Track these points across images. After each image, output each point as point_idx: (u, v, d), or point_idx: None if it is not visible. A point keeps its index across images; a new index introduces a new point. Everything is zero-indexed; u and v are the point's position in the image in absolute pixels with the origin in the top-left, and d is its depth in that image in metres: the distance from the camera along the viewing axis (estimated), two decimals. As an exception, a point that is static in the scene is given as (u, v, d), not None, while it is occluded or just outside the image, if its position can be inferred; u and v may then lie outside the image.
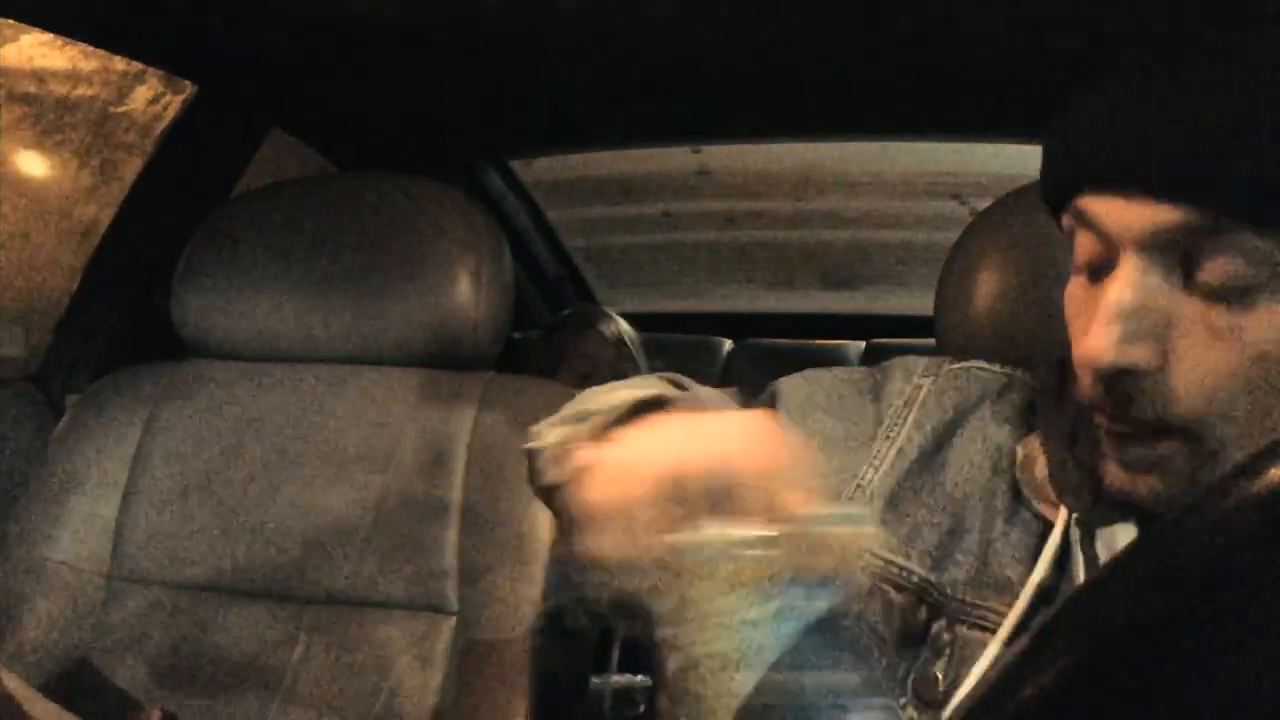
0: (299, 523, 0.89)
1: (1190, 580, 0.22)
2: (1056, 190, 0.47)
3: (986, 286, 0.74)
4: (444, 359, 0.94)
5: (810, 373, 0.65)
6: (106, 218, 1.17)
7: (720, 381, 1.94)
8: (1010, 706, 0.24)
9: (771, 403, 0.64)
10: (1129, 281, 0.42)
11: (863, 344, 1.92)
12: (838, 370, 0.65)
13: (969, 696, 0.47)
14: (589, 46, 1.03)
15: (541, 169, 1.78)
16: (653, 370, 1.60)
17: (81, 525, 0.91)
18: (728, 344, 2.01)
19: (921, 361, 0.62)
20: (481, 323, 0.92)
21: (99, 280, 1.16)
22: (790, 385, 0.64)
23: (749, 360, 1.95)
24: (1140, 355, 0.42)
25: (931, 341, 0.81)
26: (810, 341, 1.97)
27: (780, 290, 2.47)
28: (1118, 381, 0.43)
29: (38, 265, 1.30)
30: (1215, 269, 0.40)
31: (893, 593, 0.53)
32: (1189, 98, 0.40)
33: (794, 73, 1.09)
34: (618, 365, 1.51)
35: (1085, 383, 0.45)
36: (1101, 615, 0.24)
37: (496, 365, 0.97)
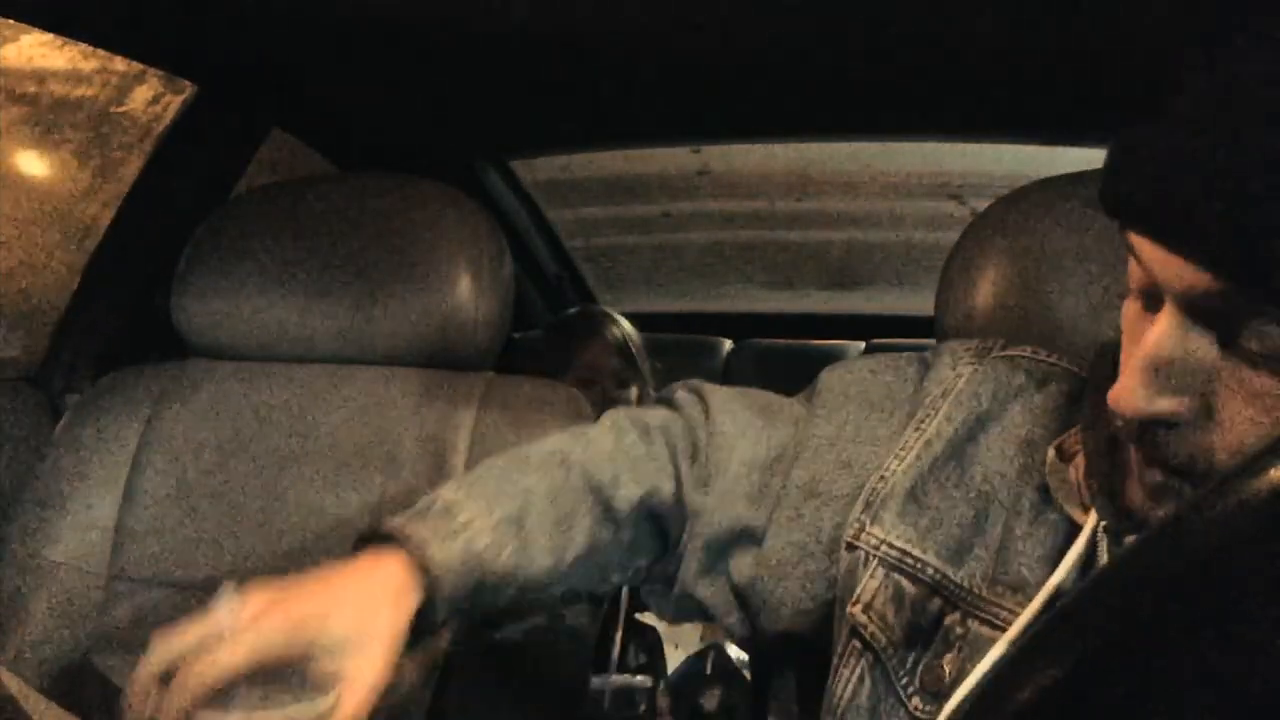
0: (299, 522, 0.89)
1: (1190, 579, 0.22)
2: (1111, 215, 0.45)
3: (986, 286, 0.74)
4: (444, 359, 0.94)
5: (858, 361, 0.65)
6: (106, 218, 1.16)
7: (721, 382, 1.93)
8: (1011, 705, 0.24)
9: (810, 394, 0.64)
10: (1168, 333, 0.40)
11: (862, 344, 1.92)
12: (887, 358, 0.64)
13: (971, 693, 0.47)
14: (589, 46, 1.03)
15: (541, 169, 1.78)
16: (653, 372, 1.61)
17: (81, 525, 0.91)
18: (728, 344, 2.01)
19: (971, 346, 0.61)
20: (481, 323, 0.92)
21: (99, 280, 1.16)
22: (831, 376, 0.64)
23: (749, 360, 1.95)
24: (1172, 407, 0.41)
25: (931, 341, 0.81)
26: (810, 341, 1.97)
27: (780, 290, 2.47)
28: (1148, 428, 0.42)
29: (38, 265, 1.30)
30: (1255, 338, 0.38)
31: (905, 583, 0.53)
32: (1244, 168, 0.36)
33: (794, 73, 1.09)
34: (622, 373, 1.51)
35: (1117, 420, 0.44)
36: (1102, 614, 0.24)
37: (496, 365, 0.97)
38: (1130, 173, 0.42)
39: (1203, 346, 0.40)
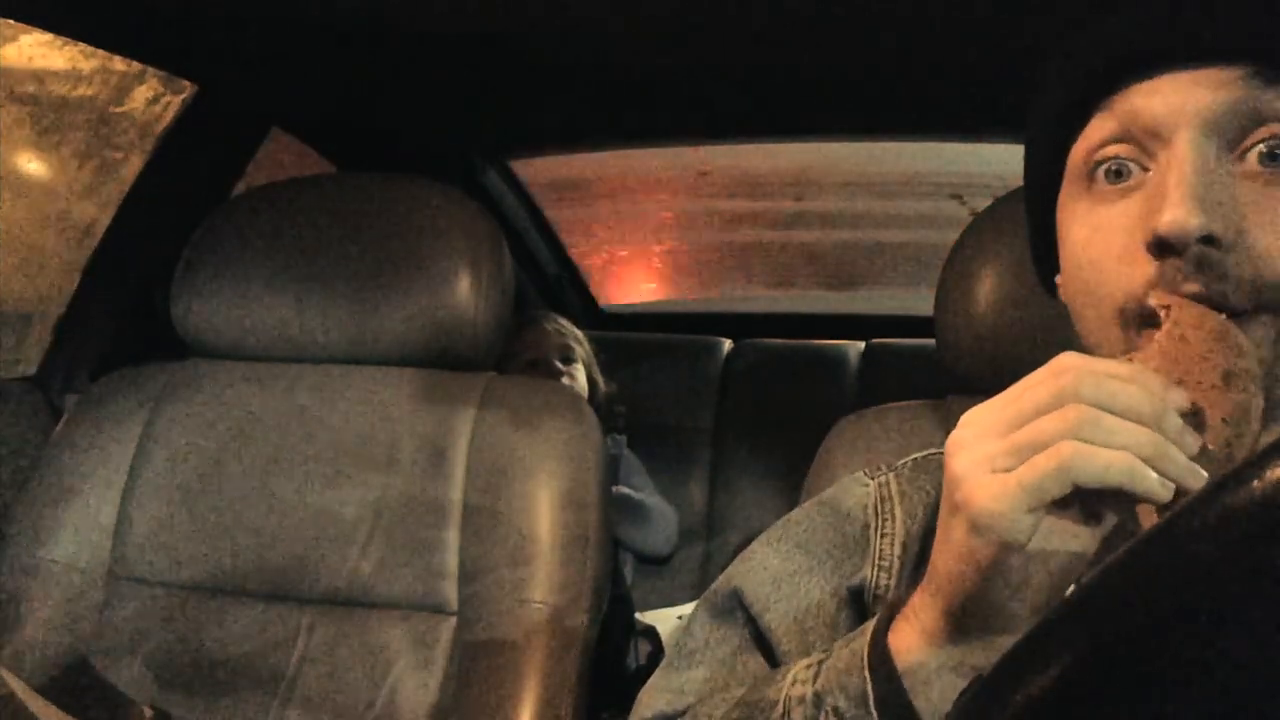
0: (299, 523, 0.89)
1: (1192, 578, 0.22)
2: (1090, 88, 0.46)
3: (986, 286, 0.74)
4: (444, 359, 0.94)
5: (756, 552, 0.58)
6: (106, 218, 1.16)
7: (720, 382, 1.93)
8: (1009, 704, 0.24)
9: (736, 599, 0.56)
10: (1192, 156, 0.41)
11: (863, 344, 1.92)
12: (780, 528, 0.59)
13: (969, 694, 0.47)
14: (589, 47, 1.03)
15: (541, 169, 1.78)
16: (646, 372, 1.61)
17: (81, 525, 0.91)
18: (728, 344, 2.00)
19: (859, 471, 0.60)
20: (481, 323, 0.92)
21: (99, 280, 1.16)
22: (747, 577, 0.57)
23: (749, 360, 1.94)
24: (1220, 226, 0.40)
25: (931, 341, 0.81)
26: (810, 341, 1.96)
27: (780, 290, 2.47)
28: (1205, 255, 0.40)
29: (37, 265, 1.30)
30: (1266, 131, 0.41)
31: None
32: None
33: (794, 73, 1.09)
34: (564, 351, 1.55)
35: (1152, 275, 0.42)
36: (1102, 613, 0.24)
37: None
38: (1135, 24, 0.44)
39: (1223, 165, 0.42)
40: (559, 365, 1.53)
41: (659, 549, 1.51)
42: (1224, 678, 0.21)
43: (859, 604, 0.53)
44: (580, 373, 1.56)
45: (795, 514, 0.60)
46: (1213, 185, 0.41)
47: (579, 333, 1.61)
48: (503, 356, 1.53)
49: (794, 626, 0.53)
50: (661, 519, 1.53)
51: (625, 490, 1.48)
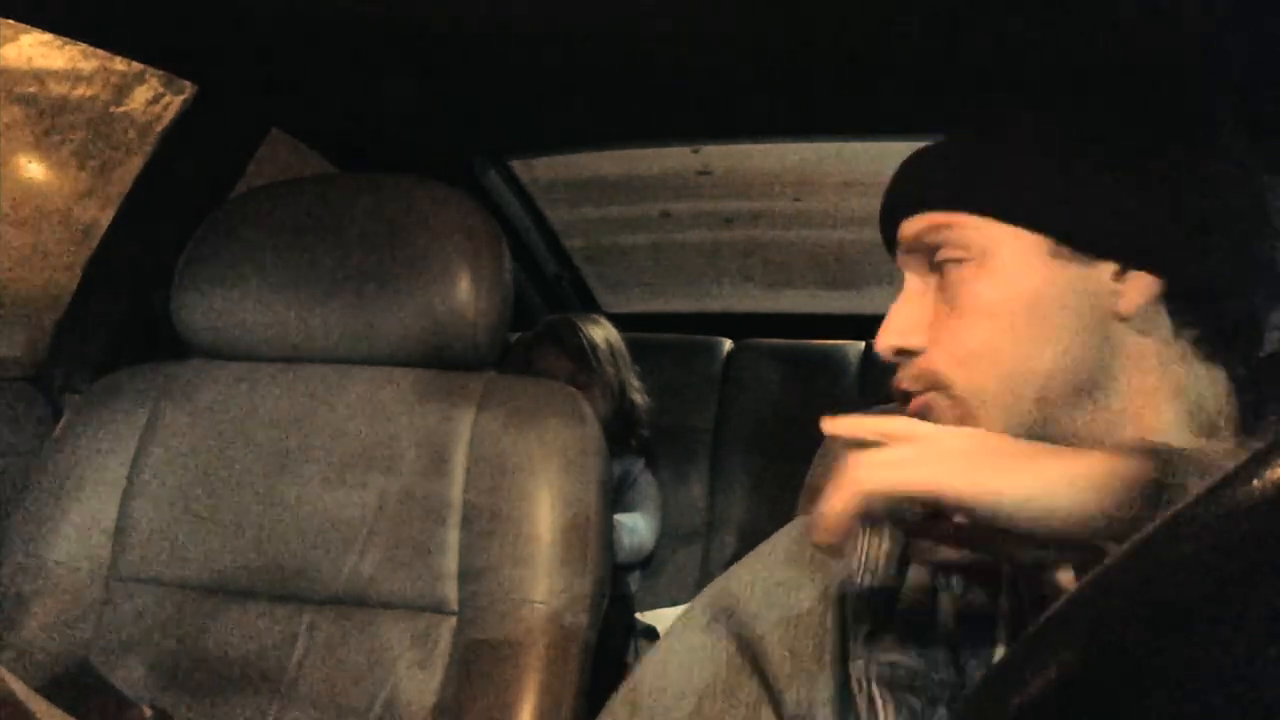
0: (299, 523, 0.89)
1: (1191, 577, 0.22)
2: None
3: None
4: (444, 359, 0.94)
5: (745, 565, 0.60)
6: (106, 218, 1.17)
7: (720, 382, 1.94)
8: (1009, 705, 0.24)
9: (726, 613, 0.59)
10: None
11: (862, 344, 1.92)
12: (770, 542, 0.61)
13: (969, 693, 0.47)
14: (589, 47, 1.03)
15: (541, 169, 1.78)
16: (646, 372, 1.60)
17: (81, 525, 0.91)
18: (728, 344, 2.00)
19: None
20: (481, 323, 0.92)
21: (99, 280, 1.16)
22: (739, 592, 0.59)
23: (749, 360, 1.94)
24: None
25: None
26: (810, 341, 1.96)
27: (780, 290, 2.46)
28: None
29: (37, 265, 1.30)
30: None
31: (913, 700, 0.50)
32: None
33: (794, 73, 1.09)
34: (576, 377, 1.52)
35: None
36: (1101, 613, 0.24)
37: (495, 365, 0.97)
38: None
39: None
40: None
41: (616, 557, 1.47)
42: (1224, 678, 0.21)
43: (844, 603, 0.55)
44: (599, 400, 1.53)
45: (785, 528, 0.62)
46: None
47: (608, 346, 1.56)
48: (520, 365, 1.53)
49: (784, 634, 0.55)
50: (629, 534, 1.50)
51: None
